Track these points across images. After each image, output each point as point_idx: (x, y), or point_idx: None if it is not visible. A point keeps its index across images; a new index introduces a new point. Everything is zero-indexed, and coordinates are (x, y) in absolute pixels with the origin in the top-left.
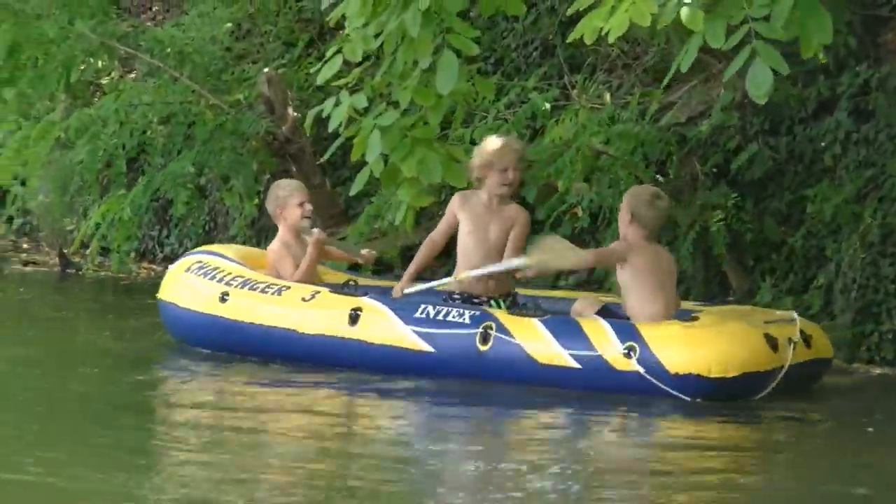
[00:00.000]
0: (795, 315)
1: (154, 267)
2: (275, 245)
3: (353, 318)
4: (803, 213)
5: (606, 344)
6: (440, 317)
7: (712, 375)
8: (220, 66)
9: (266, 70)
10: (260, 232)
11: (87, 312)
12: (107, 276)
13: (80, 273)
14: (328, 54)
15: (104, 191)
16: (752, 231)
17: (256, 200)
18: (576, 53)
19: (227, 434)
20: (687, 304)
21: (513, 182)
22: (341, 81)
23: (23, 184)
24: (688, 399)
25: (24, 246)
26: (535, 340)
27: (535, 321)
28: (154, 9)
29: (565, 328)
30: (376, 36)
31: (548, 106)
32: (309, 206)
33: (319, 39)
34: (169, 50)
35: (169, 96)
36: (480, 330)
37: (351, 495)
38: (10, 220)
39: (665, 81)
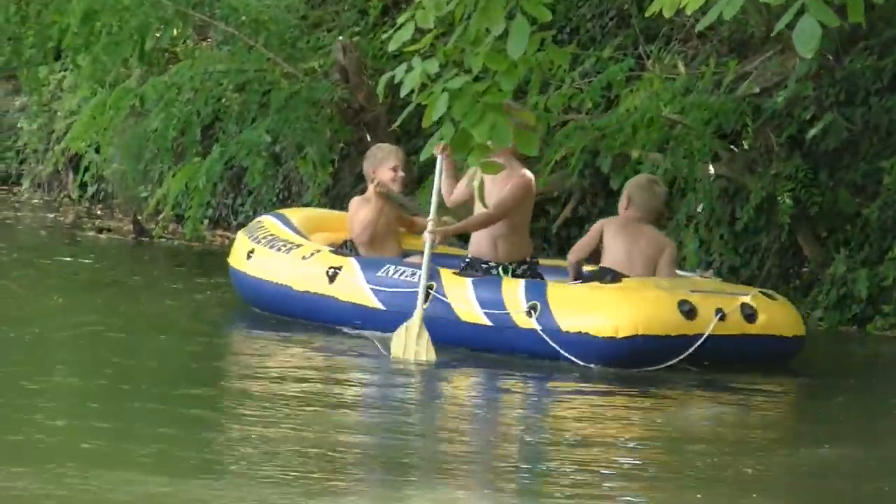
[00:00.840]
0: (752, 294)
1: (228, 234)
2: (355, 200)
3: (332, 277)
4: (879, 184)
5: (515, 303)
6: (396, 276)
7: (601, 335)
8: (295, 34)
9: (341, 38)
10: (334, 200)
11: (159, 279)
12: (180, 244)
13: (154, 240)
14: (400, 20)
15: (178, 158)
16: (825, 202)
17: (331, 169)
18: (651, 23)
19: (295, 402)
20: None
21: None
22: (414, 47)
23: (97, 151)
24: (581, 364)
25: (98, 213)
26: (461, 300)
27: (468, 280)
28: None
29: (487, 286)
30: (449, 2)
31: (623, 76)
32: (402, 174)
33: (394, 7)
34: (244, 18)
35: (244, 64)
36: (422, 290)
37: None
38: (84, 186)
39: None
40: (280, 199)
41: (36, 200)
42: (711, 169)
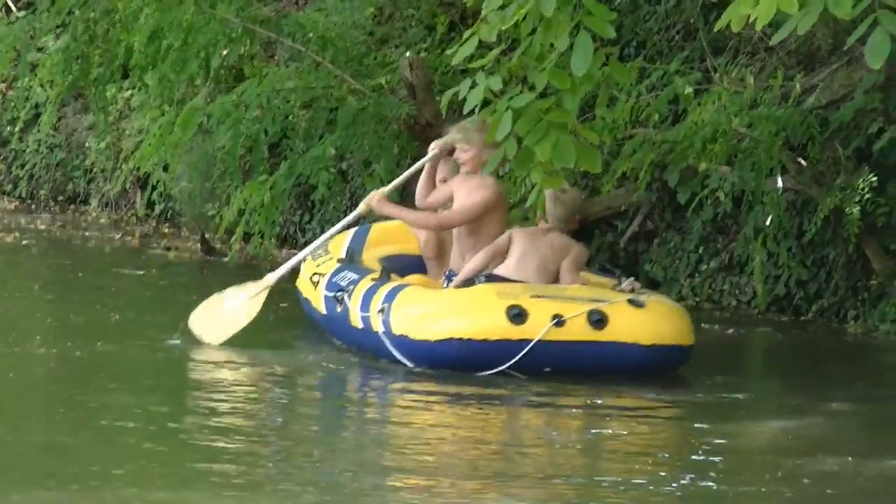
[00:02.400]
0: (616, 300)
1: (295, 252)
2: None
3: (315, 283)
4: None
5: (376, 305)
6: (341, 281)
7: (418, 337)
8: (362, 51)
9: (408, 54)
10: None
11: None
12: (248, 261)
13: (222, 258)
14: (464, 36)
15: (245, 176)
16: (892, 214)
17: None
18: (718, 37)
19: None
20: None
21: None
22: (478, 63)
23: (165, 169)
24: (411, 365)
25: (166, 231)
26: (355, 303)
27: (370, 284)
28: None
29: (370, 290)
30: (513, 17)
31: (690, 89)
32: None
33: (461, 22)
34: (311, 34)
35: (311, 81)
36: (337, 294)
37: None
38: (152, 205)
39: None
40: (347, 215)
41: (103, 220)
42: (779, 182)
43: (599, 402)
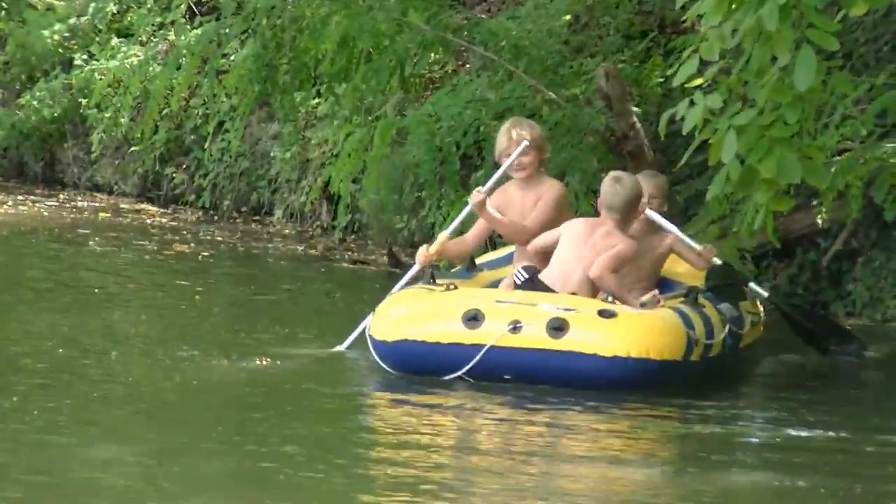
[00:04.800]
0: (582, 309)
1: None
2: None
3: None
4: None
5: None
6: None
7: (380, 338)
8: (556, 60)
9: (604, 64)
10: None
11: None
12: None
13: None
14: (685, 55)
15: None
16: None
17: (593, 199)
18: None
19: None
20: None
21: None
22: (695, 81)
23: (353, 181)
24: (388, 369)
25: (352, 244)
26: None
27: None
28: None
29: None
30: (733, 34)
31: None
32: (653, 203)
33: (660, 32)
34: (504, 43)
35: (504, 92)
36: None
37: None
38: (338, 216)
39: None
40: None
41: (288, 231)
42: None
43: None
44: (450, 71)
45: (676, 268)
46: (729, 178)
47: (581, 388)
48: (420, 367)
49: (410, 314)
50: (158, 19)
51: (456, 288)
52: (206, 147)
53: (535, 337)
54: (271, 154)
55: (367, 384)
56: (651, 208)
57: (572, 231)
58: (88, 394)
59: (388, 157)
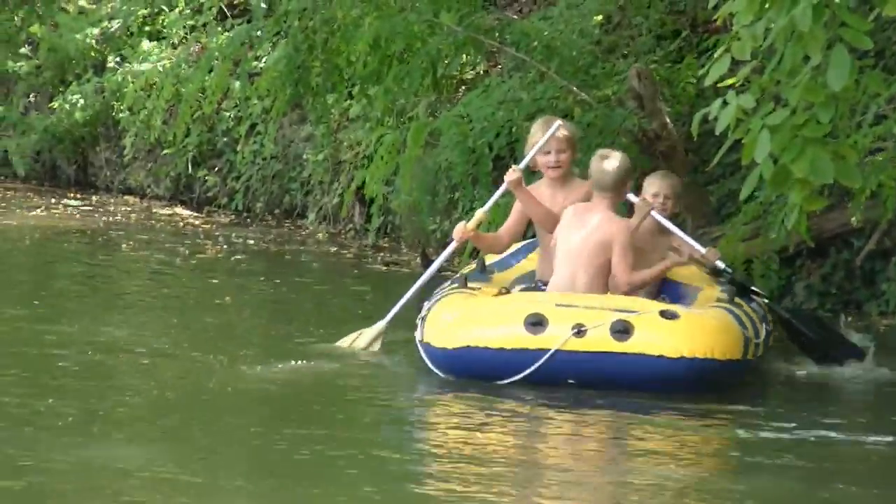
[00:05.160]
0: (644, 311)
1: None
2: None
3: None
4: None
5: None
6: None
7: (435, 345)
8: (588, 60)
9: (636, 64)
10: None
11: None
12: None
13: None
14: (716, 54)
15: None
16: None
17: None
18: None
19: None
20: None
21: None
22: (728, 81)
23: (387, 183)
24: (441, 374)
25: (384, 246)
26: None
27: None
28: (521, 0)
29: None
30: (765, 33)
31: None
32: (667, 203)
33: (692, 32)
34: (536, 43)
35: (536, 93)
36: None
37: None
38: (370, 219)
39: None
40: None
41: (321, 234)
42: None
43: None
44: (481, 72)
45: (681, 270)
46: (762, 178)
47: (646, 390)
48: (483, 374)
49: (468, 319)
50: (190, 22)
51: (508, 292)
52: (238, 150)
53: (600, 340)
54: (303, 156)
55: (408, 387)
56: (664, 209)
57: (566, 232)
58: (122, 397)
59: (421, 159)
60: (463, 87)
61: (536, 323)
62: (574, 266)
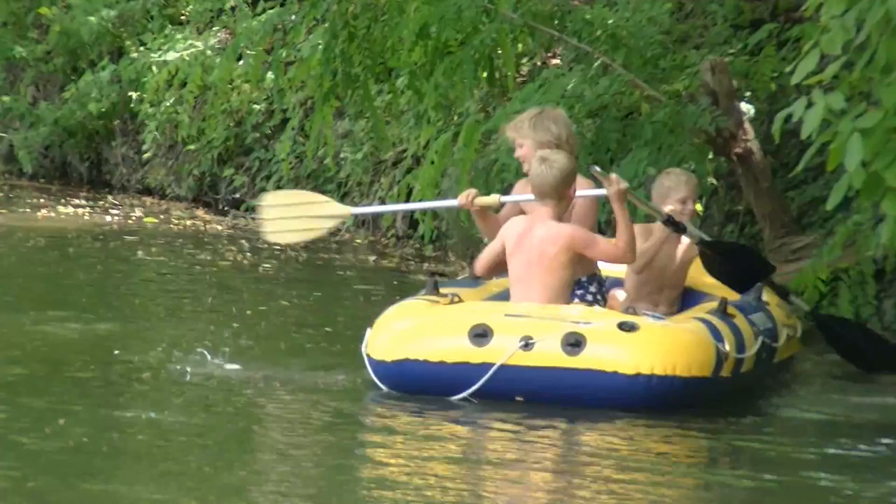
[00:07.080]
0: (599, 322)
1: None
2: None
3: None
4: None
5: None
6: None
7: (379, 359)
8: (658, 52)
9: (710, 56)
10: None
11: None
12: None
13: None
14: (804, 48)
15: None
16: None
17: (699, 206)
18: None
19: None
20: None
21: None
22: (814, 79)
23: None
24: (384, 388)
25: (429, 254)
26: None
27: None
28: None
29: None
30: (858, 26)
31: None
32: (691, 206)
33: (771, 19)
34: (599, 33)
35: (599, 86)
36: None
37: None
38: (415, 225)
39: None
40: None
41: (359, 240)
42: None
43: None
44: (538, 64)
45: (704, 277)
46: (851, 187)
47: (599, 408)
48: (422, 388)
49: (411, 330)
50: (218, 5)
51: (460, 300)
52: (276, 145)
53: (549, 354)
54: (340, 154)
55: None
56: (685, 212)
57: (513, 248)
58: (137, 413)
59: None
60: (517, 81)
61: (481, 335)
62: (526, 283)
